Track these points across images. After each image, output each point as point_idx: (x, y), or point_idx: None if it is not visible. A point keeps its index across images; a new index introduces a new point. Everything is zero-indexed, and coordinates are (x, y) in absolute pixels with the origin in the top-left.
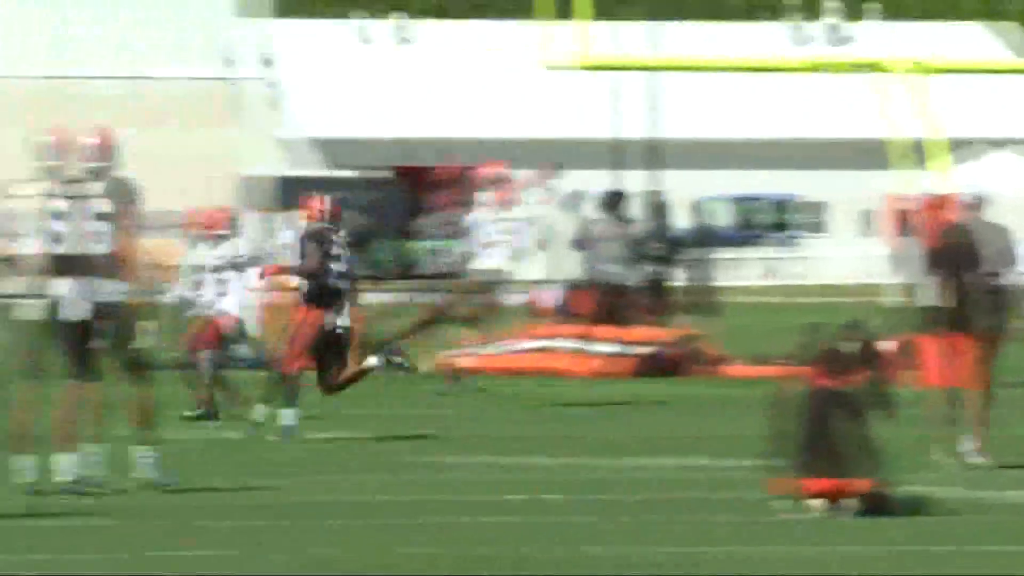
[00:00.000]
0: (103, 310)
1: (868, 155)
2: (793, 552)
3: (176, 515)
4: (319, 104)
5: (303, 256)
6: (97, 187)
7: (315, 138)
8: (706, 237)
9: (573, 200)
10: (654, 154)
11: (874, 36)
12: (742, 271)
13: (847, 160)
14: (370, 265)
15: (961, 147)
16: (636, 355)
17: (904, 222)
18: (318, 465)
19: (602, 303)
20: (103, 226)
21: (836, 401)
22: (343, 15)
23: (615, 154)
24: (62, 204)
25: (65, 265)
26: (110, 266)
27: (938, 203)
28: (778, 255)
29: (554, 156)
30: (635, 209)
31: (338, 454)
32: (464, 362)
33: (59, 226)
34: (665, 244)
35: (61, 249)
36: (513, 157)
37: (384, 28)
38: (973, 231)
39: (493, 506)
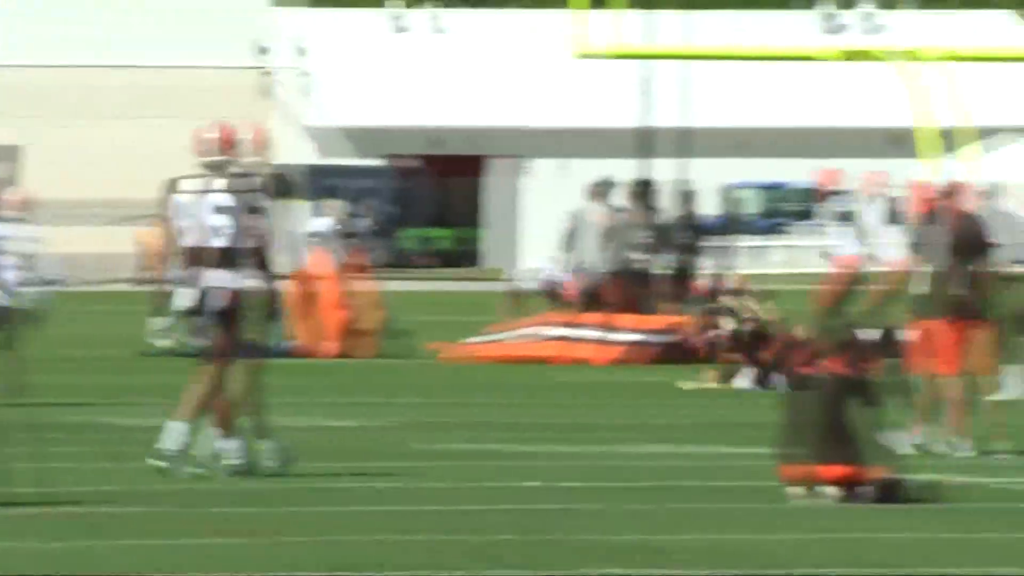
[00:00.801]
0: (246, 300)
1: (897, 143)
2: (810, 539)
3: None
4: (350, 93)
5: None
6: (252, 181)
7: (345, 127)
8: (733, 225)
9: (602, 189)
10: (684, 142)
11: (907, 25)
12: (768, 259)
13: (876, 148)
14: (396, 253)
15: (989, 136)
16: (658, 343)
17: (928, 210)
18: (325, 453)
19: (627, 292)
20: (257, 219)
21: (853, 389)
22: (378, 4)
23: (643, 143)
24: (224, 198)
25: (219, 257)
26: (255, 258)
27: (955, 191)
28: (804, 243)
29: (582, 145)
30: (663, 198)
31: (349, 441)
32: (484, 350)
33: (219, 220)
34: (691, 232)
35: (220, 242)
36: (540, 146)
37: (418, 17)
38: (985, 219)
39: (507, 493)
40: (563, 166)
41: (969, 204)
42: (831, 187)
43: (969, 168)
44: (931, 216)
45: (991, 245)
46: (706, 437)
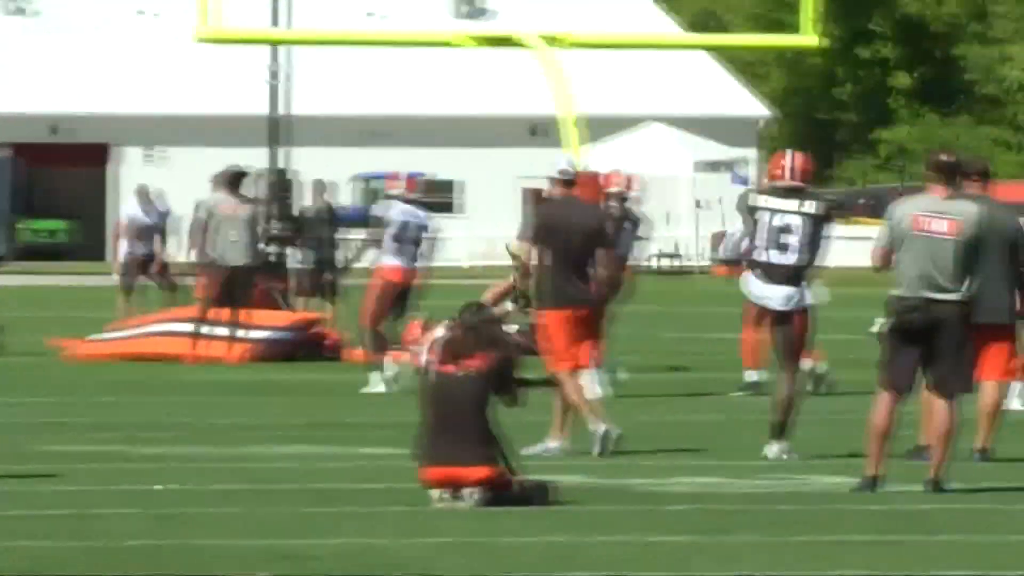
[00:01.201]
0: None
1: (512, 132)
2: (448, 543)
3: None
4: None
5: None
6: None
7: None
8: (332, 217)
9: (228, 178)
10: (279, 131)
11: (546, 11)
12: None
13: (520, 138)
14: (10, 246)
15: (613, 123)
16: (258, 339)
17: (544, 199)
18: None
19: (225, 285)
20: None
21: (459, 387)
22: None
23: (273, 131)
24: None
25: None
26: None
27: (578, 181)
28: (445, 235)
29: (206, 133)
30: (259, 188)
31: None
32: (111, 347)
33: None
34: (289, 224)
35: None
36: (134, 133)
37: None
38: (572, 207)
39: (135, 497)
40: (157, 153)
41: (591, 193)
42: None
43: (585, 157)
44: (548, 205)
45: (609, 235)
46: (346, 437)
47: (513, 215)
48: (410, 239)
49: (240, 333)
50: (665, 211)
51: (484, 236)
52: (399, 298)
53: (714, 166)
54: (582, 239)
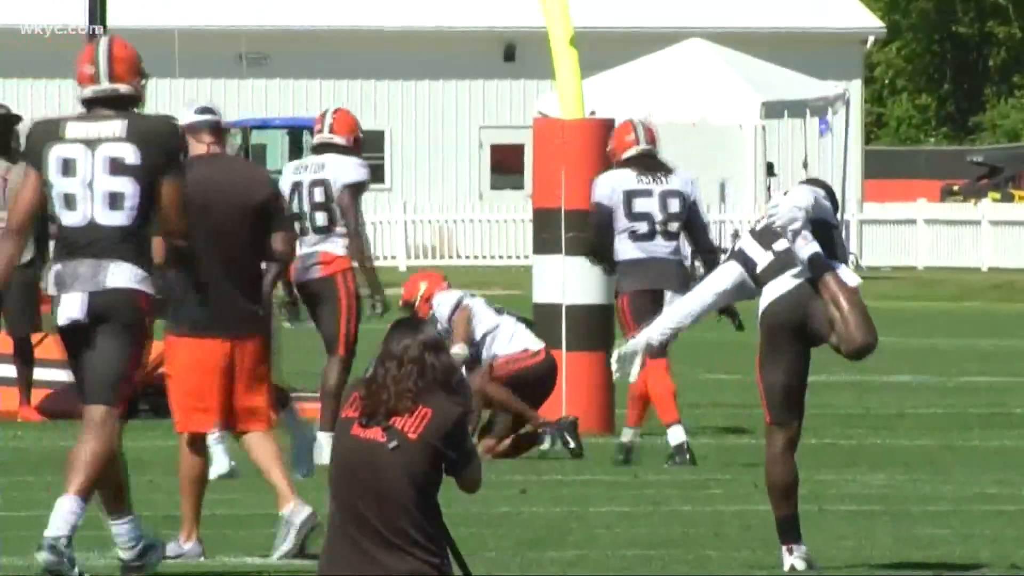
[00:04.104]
0: None
1: (475, 56)
2: None
3: None
4: None
5: None
6: None
7: None
8: None
9: None
10: None
11: None
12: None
13: (437, 64)
14: None
15: (632, 41)
16: (63, 384)
17: None
18: None
19: None
20: None
21: (389, 461)
22: None
23: None
24: None
25: None
26: None
27: None
28: None
29: None
30: None
31: None
32: None
33: None
34: None
35: None
36: None
37: None
38: (220, 171)
39: None
40: None
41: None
42: None
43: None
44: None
45: (284, 212)
46: (208, 540)
47: (474, 187)
48: None
49: (38, 373)
50: (719, 179)
51: (431, 220)
52: None
53: (795, 108)
54: (237, 220)
